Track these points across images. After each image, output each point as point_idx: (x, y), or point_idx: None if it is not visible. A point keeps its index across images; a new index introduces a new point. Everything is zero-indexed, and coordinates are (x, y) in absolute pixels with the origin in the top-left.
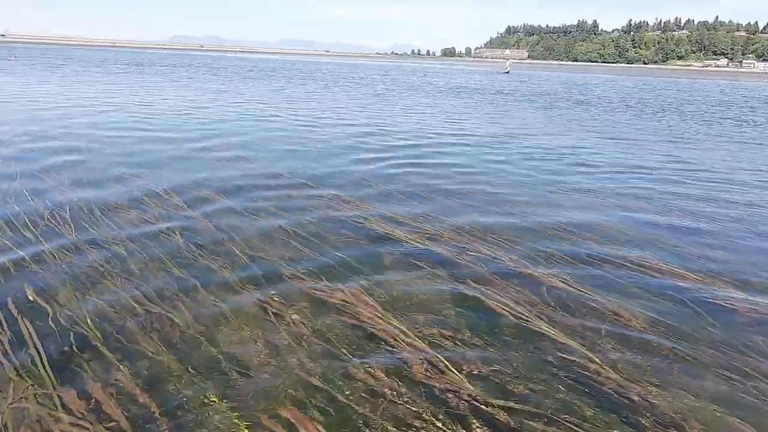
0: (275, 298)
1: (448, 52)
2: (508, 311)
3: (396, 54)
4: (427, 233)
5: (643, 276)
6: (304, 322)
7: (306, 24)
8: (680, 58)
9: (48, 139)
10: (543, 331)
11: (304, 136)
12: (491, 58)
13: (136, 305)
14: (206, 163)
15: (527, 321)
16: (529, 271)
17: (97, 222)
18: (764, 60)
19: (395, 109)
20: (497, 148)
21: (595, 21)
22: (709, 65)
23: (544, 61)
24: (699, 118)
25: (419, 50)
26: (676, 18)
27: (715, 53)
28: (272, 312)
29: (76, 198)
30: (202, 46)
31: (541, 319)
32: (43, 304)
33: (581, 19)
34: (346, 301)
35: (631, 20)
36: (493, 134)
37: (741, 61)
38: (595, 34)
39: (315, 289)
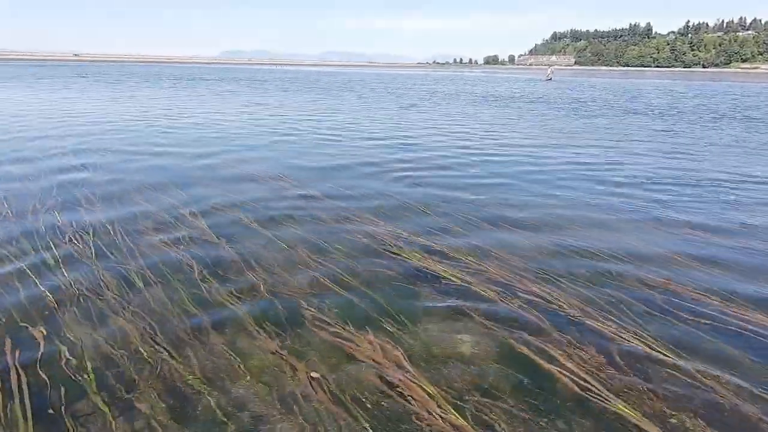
0: (294, 346)
1: (491, 60)
2: (566, 375)
3: (438, 63)
4: (470, 268)
5: (749, 335)
6: (324, 381)
7: (348, 35)
8: (744, 60)
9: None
10: (611, 406)
11: (340, 151)
12: (536, 65)
13: (142, 347)
14: (232, 180)
15: (591, 390)
16: (595, 323)
17: (118, 246)
18: None
19: (428, 120)
20: (542, 163)
21: (648, 24)
22: None
23: (592, 67)
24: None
25: (461, 59)
26: (741, 18)
27: None
28: (290, 365)
29: (103, 218)
30: (250, 60)
31: (609, 388)
32: (44, 340)
33: (633, 22)
34: (374, 359)
35: (688, 21)
36: (534, 146)
37: None
38: (648, 37)
39: (339, 338)
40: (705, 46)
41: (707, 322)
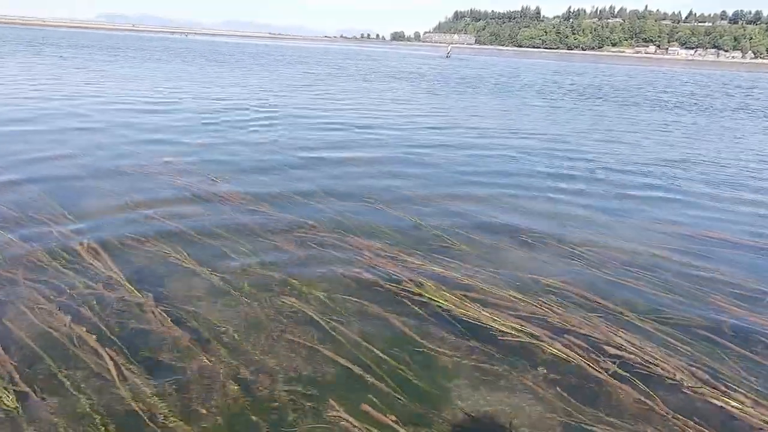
0: None
1: (398, 36)
2: None
3: (344, 38)
4: (510, 308)
5: None
6: None
7: (251, 3)
8: (614, 44)
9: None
10: None
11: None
12: (439, 42)
13: None
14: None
15: None
16: (700, 387)
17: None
18: (687, 48)
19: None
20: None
21: (537, 7)
22: (640, 51)
23: (489, 46)
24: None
25: (368, 34)
26: (611, 6)
27: (644, 40)
28: None
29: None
30: (134, 26)
31: None
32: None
33: (525, 6)
34: None
35: (570, 7)
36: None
37: (667, 48)
38: (538, 20)
39: None
40: (583, 30)
41: None
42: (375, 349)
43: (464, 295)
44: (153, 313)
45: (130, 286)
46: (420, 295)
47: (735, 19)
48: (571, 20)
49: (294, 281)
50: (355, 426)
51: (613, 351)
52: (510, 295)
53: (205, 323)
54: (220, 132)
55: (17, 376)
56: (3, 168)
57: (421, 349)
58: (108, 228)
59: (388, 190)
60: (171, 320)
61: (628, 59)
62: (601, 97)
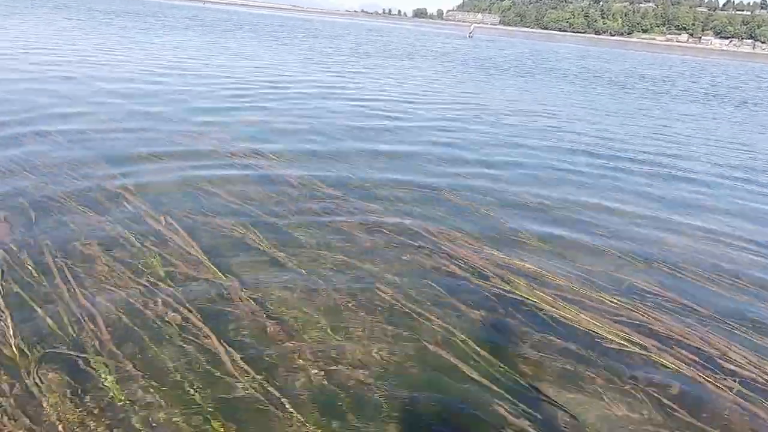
0: None
1: (420, 13)
2: None
3: (366, 12)
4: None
5: None
6: None
7: None
8: (645, 31)
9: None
10: None
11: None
12: (462, 21)
13: None
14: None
15: None
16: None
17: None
18: (721, 37)
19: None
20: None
21: None
22: (671, 40)
23: (514, 28)
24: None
25: (390, 9)
26: None
27: (677, 28)
28: None
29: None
30: None
31: None
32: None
33: None
34: None
35: None
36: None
37: (700, 37)
38: (566, 1)
39: None
40: (613, 15)
41: None
42: (459, 341)
43: (557, 295)
44: (240, 299)
45: (212, 267)
46: (510, 292)
47: None
48: (600, 3)
49: (370, 269)
50: (439, 418)
51: (731, 367)
52: (606, 298)
53: (286, 309)
54: (272, 108)
55: (112, 351)
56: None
57: (511, 346)
58: (178, 204)
59: (453, 179)
60: (255, 304)
61: (658, 47)
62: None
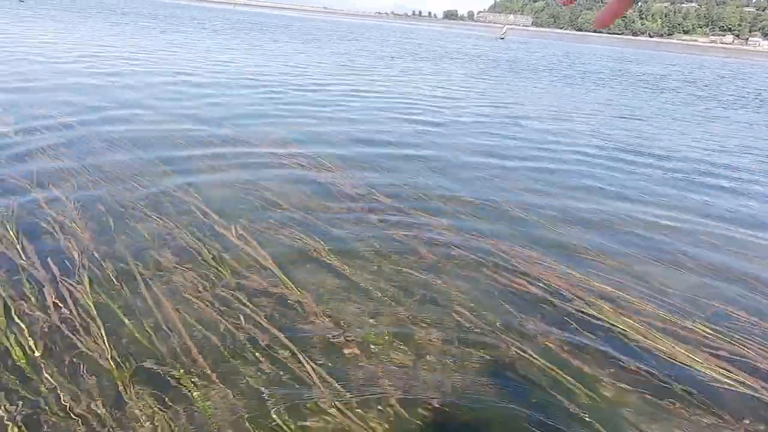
0: None
1: (450, 15)
2: None
3: (396, 14)
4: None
5: None
6: None
7: None
8: (686, 32)
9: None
10: None
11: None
12: (494, 22)
13: None
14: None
15: None
16: None
17: None
18: None
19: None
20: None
21: None
22: (715, 41)
23: (547, 29)
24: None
25: (420, 11)
26: None
27: (721, 29)
28: None
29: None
30: None
31: None
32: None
33: None
34: None
35: None
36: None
37: (747, 39)
38: (602, 2)
39: None
40: (652, 15)
41: None
42: (536, 367)
43: (641, 320)
44: (315, 314)
45: (285, 279)
46: (590, 314)
47: None
48: (639, 3)
49: (439, 288)
50: None
51: None
52: (693, 325)
53: (360, 328)
54: (322, 113)
55: (197, 364)
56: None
57: (591, 372)
58: (242, 212)
59: (511, 191)
60: (329, 321)
61: (698, 48)
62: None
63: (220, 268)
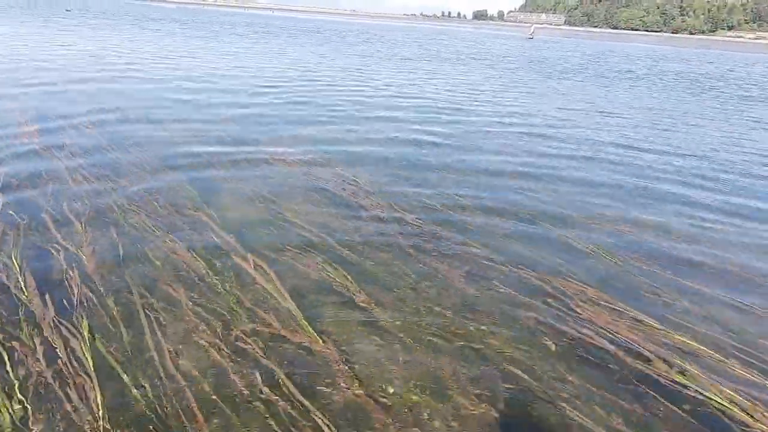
0: None
1: (480, 15)
2: None
3: (424, 15)
4: None
5: None
6: None
7: None
8: (731, 28)
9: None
10: None
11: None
12: (525, 22)
13: None
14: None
15: None
16: None
17: None
18: None
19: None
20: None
21: None
22: (763, 37)
23: (580, 28)
24: None
25: (449, 12)
26: None
27: None
28: None
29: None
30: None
31: None
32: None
33: None
34: None
35: None
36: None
37: None
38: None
39: None
40: (694, 11)
41: None
42: None
43: (745, 392)
44: (335, 363)
45: (303, 323)
46: (671, 378)
47: None
48: None
49: (478, 333)
50: None
51: None
52: None
53: (386, 383)
54: (335, 119)
55: (201, 426)
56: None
57: None
58: (260, 236)
59: (558, 213)
60: (352, 373)
61: (743, 45)
62: None
63: (235, 308)
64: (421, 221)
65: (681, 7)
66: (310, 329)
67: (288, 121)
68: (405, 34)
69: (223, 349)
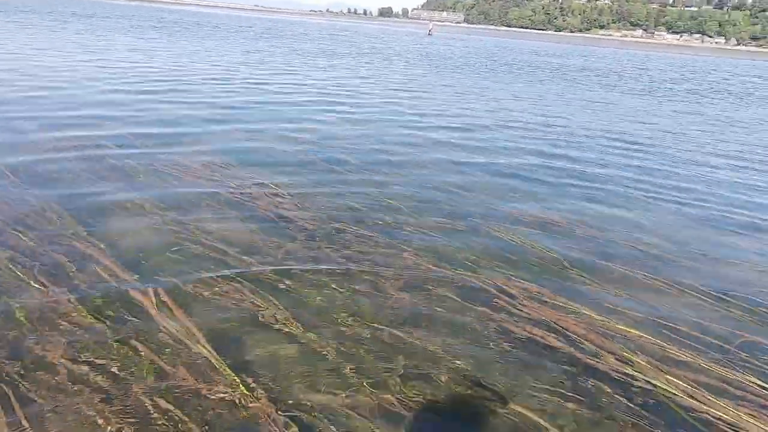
0: None
1: (385, 12)
2: None
3: (331, 12)
4: None
5: None
6: None
7: None
8: (602, 27)
9: None
10: None
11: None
12: (427, 19)
13: None
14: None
15: None
16: None
17: None
18: (673, 32)
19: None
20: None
21: None
22: (627, 35)
23: (477, 26)
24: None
25: (355, 9)
26: None
27: (632, 24)
28: None
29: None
30: None
31: None
32: None
33: None
34: None
35: None
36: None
37: (653, 33)
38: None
39: None
40: (572, 12)
41: None
42: None
43: (691, 379)
44: (274, 421)
45: (226, 370)
46: (625, 373)
47: (720, 4)
48: (560, 0)
49: (425, 350)
50: None
51: None
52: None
53: (328, 423)
54: (246, 119)
55: None
56: None
57: None
58: (165, 264)
59: (502, 211)
60: (289, 421)
61: (615, 42)
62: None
63: (133, 362)
64: (356, 229)
65: (561, 8)
66: (234, 377)
67: (177, 122)
68: (304, 30)
69: (116, 419)
